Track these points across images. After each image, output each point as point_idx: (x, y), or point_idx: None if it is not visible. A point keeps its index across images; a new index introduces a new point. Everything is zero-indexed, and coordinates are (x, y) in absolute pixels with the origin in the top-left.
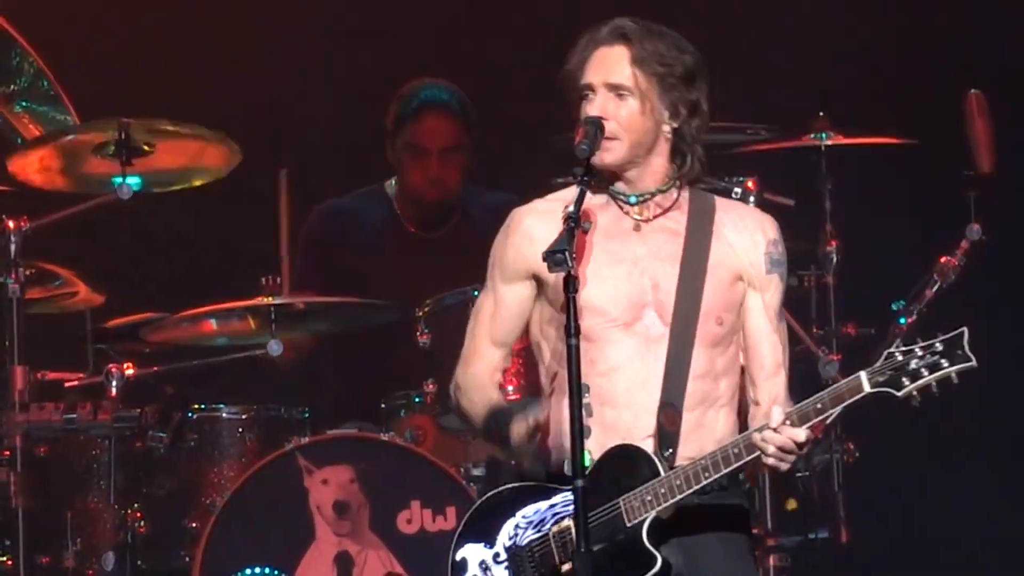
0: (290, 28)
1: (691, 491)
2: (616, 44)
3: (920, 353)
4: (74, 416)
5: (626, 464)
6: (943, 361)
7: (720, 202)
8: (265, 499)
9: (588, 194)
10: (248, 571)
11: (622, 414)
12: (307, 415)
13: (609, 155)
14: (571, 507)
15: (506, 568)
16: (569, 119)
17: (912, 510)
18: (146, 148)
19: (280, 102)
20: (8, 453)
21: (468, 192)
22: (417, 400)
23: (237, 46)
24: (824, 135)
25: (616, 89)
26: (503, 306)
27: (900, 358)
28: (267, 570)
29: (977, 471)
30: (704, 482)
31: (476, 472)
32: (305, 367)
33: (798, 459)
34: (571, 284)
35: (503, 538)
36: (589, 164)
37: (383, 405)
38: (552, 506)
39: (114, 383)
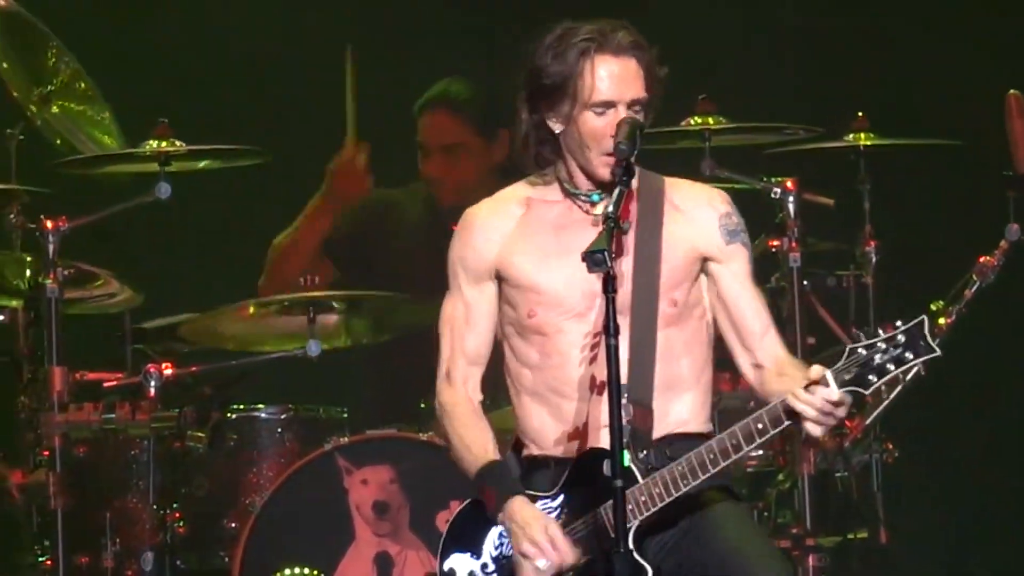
0: (325, 30)
1: (672, 499)
2: (626, 56)
3: (883, 347)
4: (113, 416)
5: (600, 469)
6: (907, 353)
7: (668, 183)
8: (304, 499)
9: (537, 186)
10: (287, 571)
11: (580, 408)
12: (346, 415)
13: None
14: (552, 514)
15: None
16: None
17: (952, 511)
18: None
19: (318, 102)
20: (47, 454)
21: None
22: None
23: (274, 47)
24: (863, 135)
25: (635, 104)
26: (474, 309)
27: (864, 353)
28: (306, 570)
29: (1018, 471)
30: (684, 489)
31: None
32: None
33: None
34: (610, 284)
35: (489, 548)
36: (628, 163)
37: (422, 405)
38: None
39: (152, 383)
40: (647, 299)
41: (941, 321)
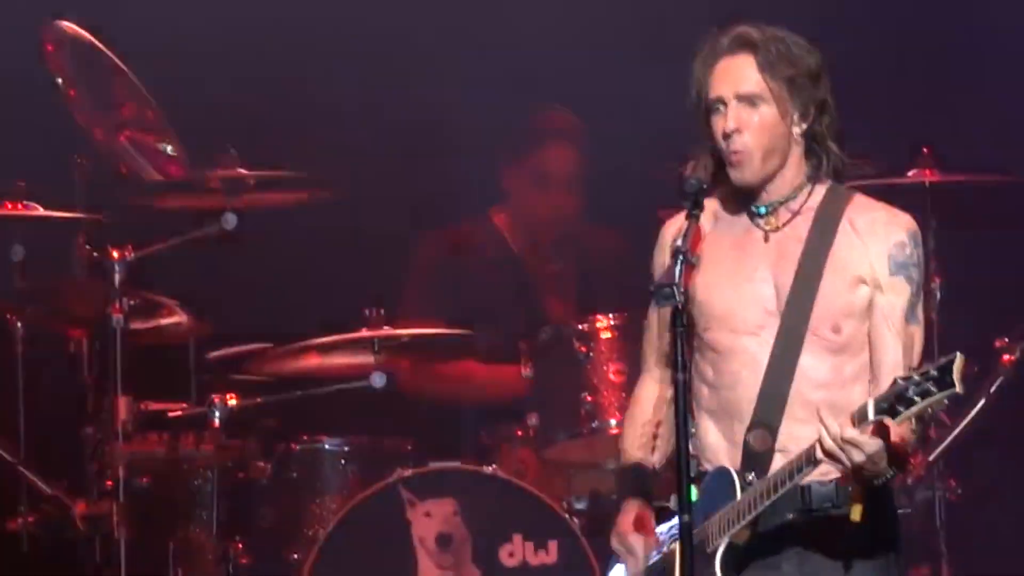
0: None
1: (754, 514)
2: (740, 52)
3: (916, 379)
4: (177, 446)
5: (717, 487)
6: (932, 387)
7: (857, 201)
8: (367, 531)
9: (727, 201)
10: None
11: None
12: (410, 447)
13: (747, 171)
14: (674, 530)
15: None
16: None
17: (1015, 550)
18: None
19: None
20: (111, 484)
21: (584, 227)
22: (520, 433)
23: (334, 74)
24: (929, 171)
25: (748, 99)
26: (662, 322)
27: (900, 384)
28: None
29: None
30: (765, 504)
31: (579, 506)
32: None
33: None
34: (679, 319)
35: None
36: (697, 197)
37: (485, 438)
38: (672, 527)
39: (217, 414)
40: (796, 321)
41: (1006, 358)
